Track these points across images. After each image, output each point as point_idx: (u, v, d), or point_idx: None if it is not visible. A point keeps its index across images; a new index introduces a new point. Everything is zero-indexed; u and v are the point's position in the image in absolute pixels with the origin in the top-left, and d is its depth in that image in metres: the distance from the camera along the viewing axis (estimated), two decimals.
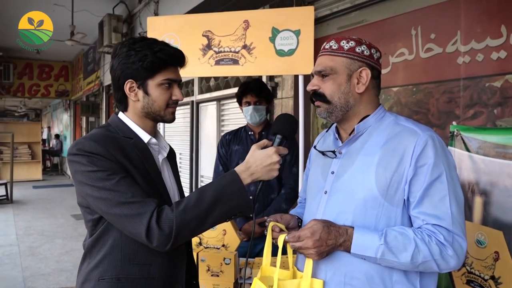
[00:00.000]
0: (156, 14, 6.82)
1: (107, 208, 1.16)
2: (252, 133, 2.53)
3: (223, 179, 1.21)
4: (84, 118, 12.54)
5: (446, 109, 2.62)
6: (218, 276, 1.86)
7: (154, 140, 1.36)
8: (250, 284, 1.98)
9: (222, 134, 5.12)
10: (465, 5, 2.49)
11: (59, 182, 13.77)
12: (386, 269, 1.17)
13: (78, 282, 1.30)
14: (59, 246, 5.96)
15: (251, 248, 1.32)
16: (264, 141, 1.28)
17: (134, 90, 1.30)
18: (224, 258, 1.85)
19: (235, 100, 4.83)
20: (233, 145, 2.54)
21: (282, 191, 2.42)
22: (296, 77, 3.60)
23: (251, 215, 1.25)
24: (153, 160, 1.33)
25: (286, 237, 1.21)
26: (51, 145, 17.65)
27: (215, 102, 5.22)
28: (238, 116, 4.82)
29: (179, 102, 1.37)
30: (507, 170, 1.59)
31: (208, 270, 1.86)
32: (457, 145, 1.81)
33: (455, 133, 1.81)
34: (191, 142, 5.78)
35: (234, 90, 4.81)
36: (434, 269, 1.15)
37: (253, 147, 1.26)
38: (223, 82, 5.07)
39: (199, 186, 1.36)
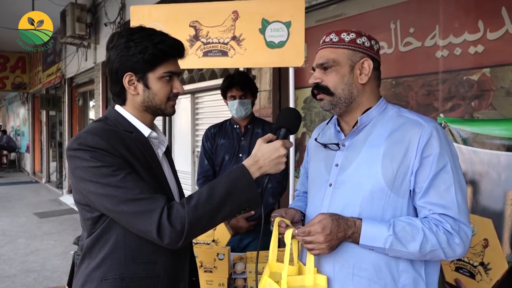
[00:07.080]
0: (123, 4, 6.59)
1: (113, 206, 1.10)
2: (237, 126, 2.50)
3: (232, 173, 1.19)
4: (44, 112, 11.98)
5: (425, 102, 2.69)
6: (211, 272, 1.83)
7: (154, 134, 1.31)
8: (245, 279, 1.97)
9: (196, 128, 5.09)
10: (444, 0, 2.56)
11: (18, 179, 13.14)
12: (393, 258, 1.19)
13: (77, 283, 1.23)
14: (23, 246, 5.70)
15: (266, 242, 1.29)
16: (269, 135, 1.27)
17: (134, 83, 1.24)
18: (218, 254, 1.82)
19: (210, 93, 4.83)
20: (218, 139, 2.50)
21: (268, 185, 2.40)
22: (275, 70, 3.59)
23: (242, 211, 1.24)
24: (154, 155, 1.29)
25: (295, 232, 1.20)
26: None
27: (189, 96, 5.12)
28: (213, 110, 4.76)
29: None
30: (494, 160, 1.66)
31: (201, 266, 1.82)
32: None
33: (442, 125, 1.86)
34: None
35: (209, 83, 4.74)
36: (441, 257, 1.17)
37: (259, 141, 1.24)
38: (197, 75, 4.97)
39: None
